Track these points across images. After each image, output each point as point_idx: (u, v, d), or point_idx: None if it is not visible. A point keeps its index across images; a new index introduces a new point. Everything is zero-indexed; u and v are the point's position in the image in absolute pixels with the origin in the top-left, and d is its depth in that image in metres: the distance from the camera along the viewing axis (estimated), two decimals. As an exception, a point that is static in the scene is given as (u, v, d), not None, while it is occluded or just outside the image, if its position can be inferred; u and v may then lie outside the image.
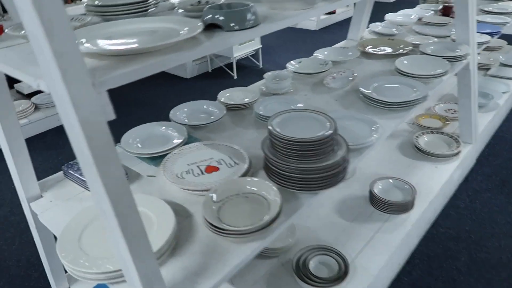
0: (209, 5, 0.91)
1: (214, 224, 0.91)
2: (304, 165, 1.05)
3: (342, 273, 1.37)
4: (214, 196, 1.00)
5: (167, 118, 1.47)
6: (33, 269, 1.74)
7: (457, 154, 2.04)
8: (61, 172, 1.23)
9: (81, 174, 1.17)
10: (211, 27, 0.88)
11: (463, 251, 1.68)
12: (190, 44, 0.77)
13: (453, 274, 1.58)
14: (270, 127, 1.10)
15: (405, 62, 1.79)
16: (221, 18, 0.85)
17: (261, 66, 4.12)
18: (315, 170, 1.05)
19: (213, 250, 0.92)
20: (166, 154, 1.25)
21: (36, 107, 3.07)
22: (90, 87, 0.60)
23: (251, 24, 0.87)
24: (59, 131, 3.00)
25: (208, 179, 1.14)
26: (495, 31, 2.28)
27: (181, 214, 1.03)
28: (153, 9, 1.09)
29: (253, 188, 1.03)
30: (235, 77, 3.82)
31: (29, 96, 3.17)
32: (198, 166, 1.19)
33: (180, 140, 1.31)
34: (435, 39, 2.25)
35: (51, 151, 2.73)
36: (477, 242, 1.72)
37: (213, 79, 3.87)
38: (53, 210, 1.09)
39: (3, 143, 1.04)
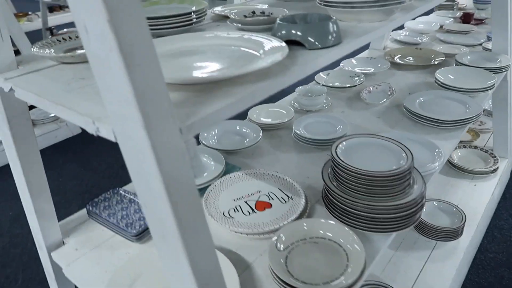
0: (281, 17, 0.75)
1: (289, 283, 0.74)
2: (378, 203, 0.90)
3: (402, 316, 1.22)
4: (281, 245, 0.84)
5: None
6: (40, 312, 1.54)
7: (495, 170, 1.91)
8: (84, 210, 1.05)
9: (109, 215, 1.00)
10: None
11: (518, 280, 1.55)
12: (276, 69, 0.61)
13: (511, 307, 1.44)
14: (335, 156, 0.94)
15: (449, 75, 1.66)
16: (303, 34, 0.69)
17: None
18: (390, 209, 0.90)
19: (287, 314, 0.75)
20: (205, 187, 1.08)
21: (33, 123, 2.84)
22: (177, 133, 0.44)
23: (335, 41, 0.72)
24: (58, 148, 2.79)
25: (261, 219, 0.97)
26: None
27: (238, 265, 0.86)
28: (198, 22, 0.93)
29: (327, 234, 0.86)
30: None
31: (24, 110, 2.94)
32: (246, 202, 1.03)
33: (220, 170, 1.13)
34: (464, 48, 2.14)
35: (51, 171, 2.52)
36: (530, 268, 1.59)
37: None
38: (80, 261, 0.91)
39: (21, 182, 0.86)
